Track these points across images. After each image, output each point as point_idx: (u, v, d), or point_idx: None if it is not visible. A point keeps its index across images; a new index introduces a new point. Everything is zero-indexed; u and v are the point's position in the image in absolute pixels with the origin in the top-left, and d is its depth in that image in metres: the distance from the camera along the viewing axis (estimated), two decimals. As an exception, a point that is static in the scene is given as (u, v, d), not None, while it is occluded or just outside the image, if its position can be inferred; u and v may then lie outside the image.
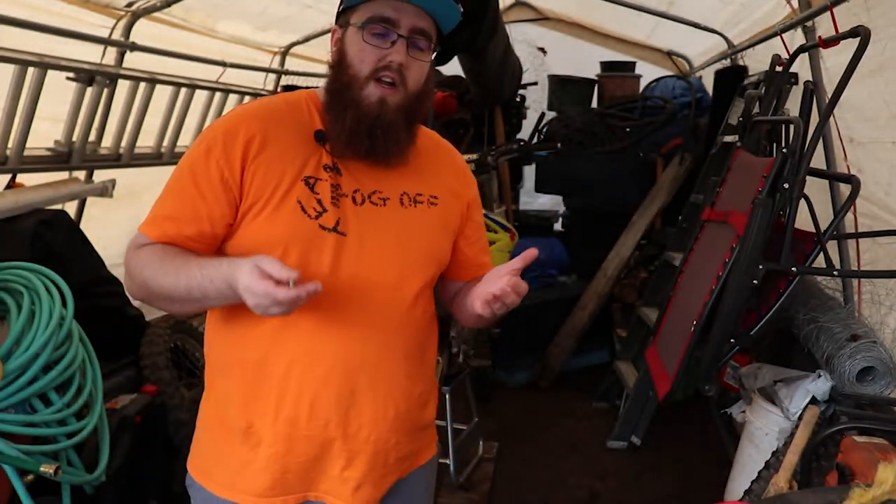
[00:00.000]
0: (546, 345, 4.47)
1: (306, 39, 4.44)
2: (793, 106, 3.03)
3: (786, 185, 2.35)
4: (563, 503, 3.10)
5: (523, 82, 5.10)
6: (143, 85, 3.07)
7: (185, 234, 1.22)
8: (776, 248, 2.40)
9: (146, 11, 3.02)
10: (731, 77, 4.04)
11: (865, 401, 2.18)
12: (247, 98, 4.04)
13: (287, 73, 4.59)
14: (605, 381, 4.11)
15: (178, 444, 2.52)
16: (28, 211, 2.58)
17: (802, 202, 2.38)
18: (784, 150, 2.43)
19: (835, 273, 2.45)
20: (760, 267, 2.37)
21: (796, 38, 3.01)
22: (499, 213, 3.89)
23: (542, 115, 4.95)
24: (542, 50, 5.87)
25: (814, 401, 2.23)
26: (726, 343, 2.45)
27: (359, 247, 1.25)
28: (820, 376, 2.26)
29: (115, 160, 3.15)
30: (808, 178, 2.39)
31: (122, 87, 2.98)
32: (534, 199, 6.04)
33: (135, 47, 3.04)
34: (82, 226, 2.96)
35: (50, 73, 2.52)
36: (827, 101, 2.46)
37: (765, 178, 2.43)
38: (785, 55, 3.09)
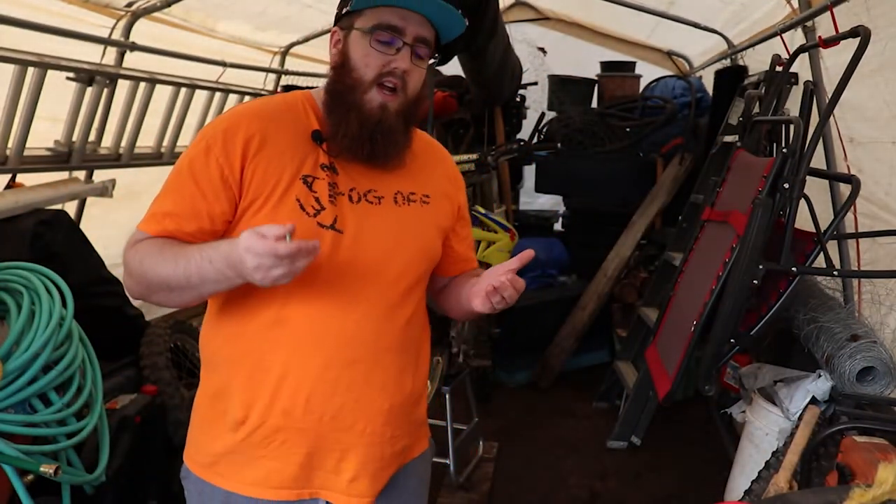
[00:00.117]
0: (546, 345, 4.47)
1: (306, 39, 4.44)
2: (793, 106, 3.03)
3: (786, 185, 2.36)
4: (563, 503, 3.10)
5: (523, 82, 5.09)
6: (143, 85, 3.07)
7: (184, 231, 1.24)
8: (776, 248, 2.40)
9: (146, 11, 3.02)
10: (731, 77, 4.04)
11: (865, 401, 2.18)
12: (247, 98, 4.04)
13: (287, 73, 4.59)
14: (605, 381, 4.11)
15: (178, 444, 2.52)
16: (28, 211, 2.58)
17: (802, 202, 2.38)
18: (784, 150, 2.43)
19: (835, 273, 2.45)
20: (760, 267, 2.37)
21: (796, 38, 3.01)
22: (499, 213, 3.89)
23: (542, 115, 4.95)
24: (542, 50, 5.86)
25: (814, 401, 2.23)
26: (726, 343, 2.45)
27: (355, 244, 1.28)
28: (820, 376, 2.26)
29: (115, 160, 3.15)
30: (808, 178, 2.39)
31: (122, 87, 2.98)
32: (534, 199, 6.04)
33: (135, 47, 3.04)
34: (82, 226, 2.96)
35: (50, 73, 2.52)
36: (827, 101, 2.46)
37: (765, 178, 2.43)
38: (785, 55, 3.09)
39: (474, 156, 3.51)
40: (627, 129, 5.03)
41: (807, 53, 2.84)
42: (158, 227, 1.24)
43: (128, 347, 2.73)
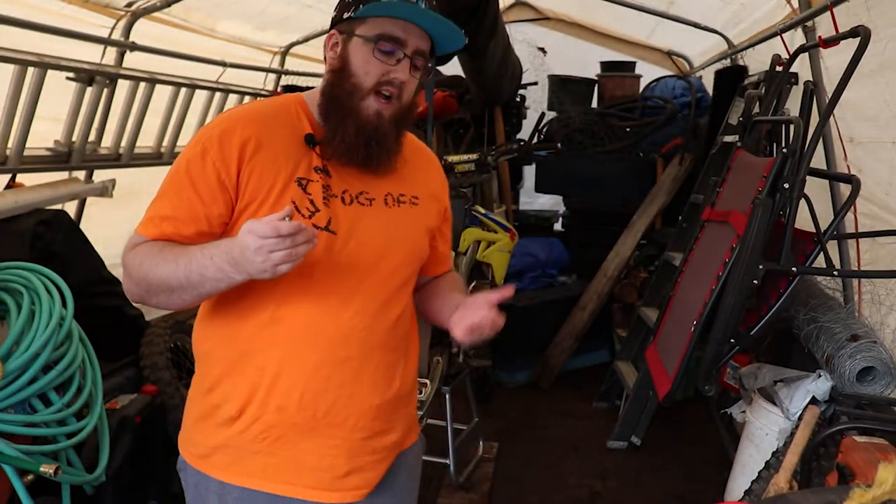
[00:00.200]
0: (546, 345, 4.47)
1: (306, 39, 4.44)
2: (793, 106, 3.03)
3: (786, 185, 2.36)
4: (563, 503, 3.10)
5: (523, 82, 5.09)
6: (142, 85, 3.07)
7: (183, 234, 1.26)
8: (776, 248, 2.40)
9: (146, 11, 3.02)
10: (732, 77, 4.04)
11: (866, 401, 2.18)
12: (247, 98, 4.04)
13: (287, 72, 4.59)
14: (605, 381, 4.11)
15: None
16: (28, 211, 2.58)
17: (802, 202, 2.38)
18: (784, 150, 2.43)
19: (835, 273, 2.45)
20: (760, 267, 2.37)
21: (796, 37, 3.01)
22: (499, 213, 3.89)
23: (542, 115, 4.94)
24: (542, 50, 5.87)
25: (814, 401, 2.23)
26: (726, 343, 2.45)
27: (348, 244, 1.31)
28: (820, 376, 2.27)
29: (115, 160, 3.15)
30: (808, 177, 2.39)
31: (122, 87, 2.98)
32: (534, 199, 6.04)
33: (135, 47, 3.04)
34: (82, 226, 2.96)
35: (50, 73, 2.52)
36: (827, 100, 2.46)
37: (765, 178, 2.43)
38: (785, 55, 3.09)
39: (474, 156, 3.51)
40: (627, 129, 5.03)
41: (807, 53, 2.84)
42: (157, 230, 1.26)
43: (128, 347, 2.74)
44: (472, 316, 1.29)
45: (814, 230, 2.40)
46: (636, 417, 3.55)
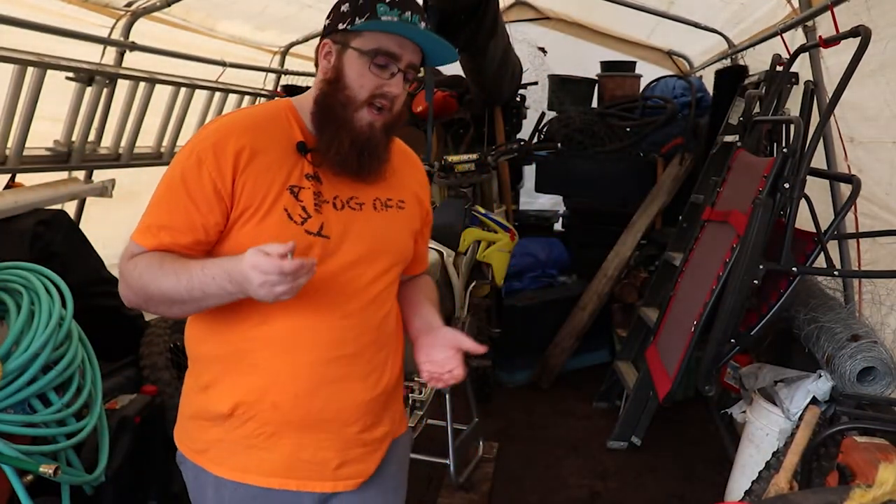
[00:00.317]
0: (546, 345, 4.47)
1: (306, 39, 4.44)
2: (793, 106, 3.03)
3: (786, 185, 2.36)
4: (563, 503, 3.10)
5: (523, 82, 5.09)
6: (142, 85, 3.07)
7: (180, 244, 1.29)
8: (776, 248, 2.40)
9: (146, 11, 3.02)
10: (732, 77, 4.04)
11: (866, 401, 2.18)
12: (246, 98, 4.04)
13: (287, 72, 4.59)
14: (605, 381, 4.11)
15: (178, 444, 2.52)
16: (28, 211, 2.58)
17: (803, 202, 2.38)
18: (784, 150, 2.43)
19: (835, 273, 2.45)
20: (761, 267, 2.37)
21: (797, 37, 3.01)
22: (499, 213, 3.89)
23: (542, 115, 4.95)
24: (543, 50, 5.86)
25: (814, 401, 2.23)
26: (727, 343, 2.45)
27: (340, 248, 1.36)
28: (820, 376, 2.27)
29: (115, 160, 3.15)
30: (808, 177, 2.39)
31: (122, 86, 2.98)
32: (534, 199, 6.04)
33: (134, 47, 3.04)
34: (82, 226, 2.96)
35: (49, 72, 2.52)
36: (827, 100, 2.46)
37: (765, 177, 2.43)
38: (785, 55, 3.09)
39: (474, 156, 3.51)
40: (627, 129, 5.02)
41: (807, 53, 2.84)
42: (155, 240, 1.28)
43: (127, 347, 2.73)
44: (439, 365, 1.43)
45: (814, 230, 2.40)
46: (636, 417, 3.55)
